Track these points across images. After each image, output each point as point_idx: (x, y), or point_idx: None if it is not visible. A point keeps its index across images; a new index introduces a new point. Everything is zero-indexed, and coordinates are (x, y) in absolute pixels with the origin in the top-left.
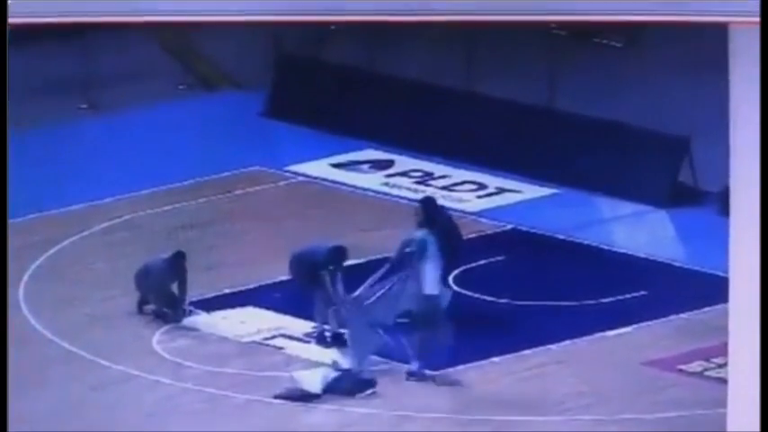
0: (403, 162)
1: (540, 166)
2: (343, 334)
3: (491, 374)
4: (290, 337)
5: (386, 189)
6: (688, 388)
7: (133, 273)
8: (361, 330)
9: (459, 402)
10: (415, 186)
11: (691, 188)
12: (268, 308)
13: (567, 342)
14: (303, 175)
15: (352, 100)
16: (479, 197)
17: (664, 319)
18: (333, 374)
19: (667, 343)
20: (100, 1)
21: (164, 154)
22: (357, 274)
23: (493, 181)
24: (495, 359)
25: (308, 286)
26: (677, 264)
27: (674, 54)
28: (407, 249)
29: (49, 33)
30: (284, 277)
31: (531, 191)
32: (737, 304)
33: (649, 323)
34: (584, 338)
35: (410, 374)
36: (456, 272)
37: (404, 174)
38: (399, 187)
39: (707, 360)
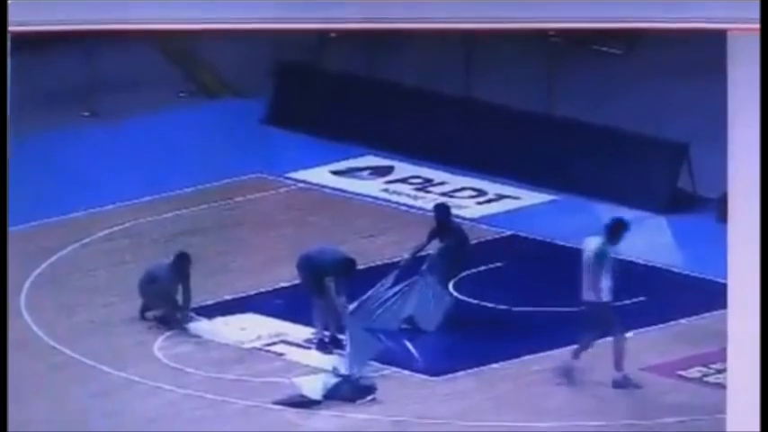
0: (402, 169)
1: (540, 173)
2: (343, 340)
3: (490, 380)
4: (291, 344)
5: (386, 195)
6: (687, 393)
7: (134, 280)
8: (361, 336)
9: (458, 408)
10: (414, 193)
11: (689, 194)
12: (269, 314)
13: (567, 348)
14: (303, 181)
15: (351, 107)
16: (479, 203)
17: (662, 325)
18: (333, 380)
19: (666, 348)
20: (102, 9)
21: (164, 161)
22: (357, 281)
23: (492, 187)
24: (495, 365)
25: (311, 289)
26: (676, 270)
27: (672, 60)
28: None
29: (51, 41)
30: (285, 284)
31: (530, 197)
32: (736, 310)
33: (648, 329)
34: None
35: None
36: (455, 278)
37: (403, 180)
38: (399, 194)
39: (706, 366)
